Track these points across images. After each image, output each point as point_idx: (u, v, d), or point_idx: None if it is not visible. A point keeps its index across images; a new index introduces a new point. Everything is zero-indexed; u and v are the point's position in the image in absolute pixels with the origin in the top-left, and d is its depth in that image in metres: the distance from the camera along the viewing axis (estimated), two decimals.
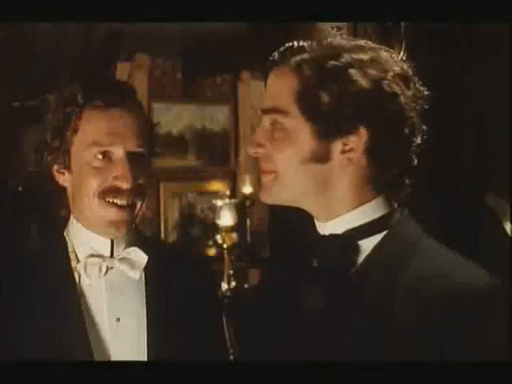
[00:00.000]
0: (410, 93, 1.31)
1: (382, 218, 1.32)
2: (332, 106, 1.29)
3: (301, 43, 1.34)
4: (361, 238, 1.32)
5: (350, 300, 1.30)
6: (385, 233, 1.32)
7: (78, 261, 1.65)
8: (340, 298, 1.32)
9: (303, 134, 1.32)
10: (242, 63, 6.80)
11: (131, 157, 1.61)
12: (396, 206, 1.36)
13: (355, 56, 1.29)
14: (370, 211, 1.32)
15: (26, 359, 1.53)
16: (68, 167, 1.64)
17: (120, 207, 1.61)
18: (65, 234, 1.69)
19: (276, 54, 1.37)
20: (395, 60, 1.34)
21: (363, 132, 1.29)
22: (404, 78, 1.32)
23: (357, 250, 1.32)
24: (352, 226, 1.33)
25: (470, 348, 1.20)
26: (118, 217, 1.61)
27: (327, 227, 1.36)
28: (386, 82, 1.29)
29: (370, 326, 1.25)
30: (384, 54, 1.33)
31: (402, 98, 1.30)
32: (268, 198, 1.39)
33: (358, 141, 1.29)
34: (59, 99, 1.65)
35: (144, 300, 1.67)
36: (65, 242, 1.68)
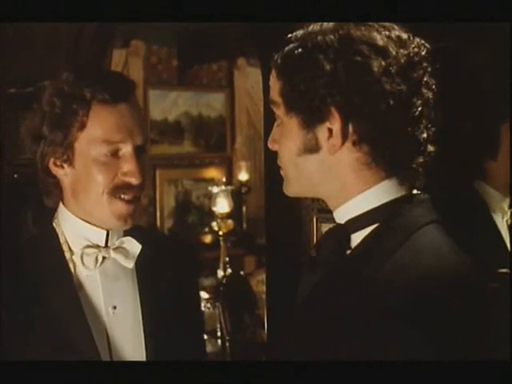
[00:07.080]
0: (387, 61, 1.23)
1: (381, 206, 1.28)
2: (307, 93, 1.27)
3: (287, 36, 1.33)
4: (355, 231, 1.29)
5: (337, 290, 1.28)
6: (376, 224, 1.27)
7: (71, 252, 1.65)
8: (329, 287, 1.30)
9: (292, 126, 1.31)
10: (237, 50, 6.79)
11: (137, 151, 1.62)
12: (406, 191, 1.30)
13: (321, 38, 1.27)
14: (374, 197, 1.28)
15: (21, 359, 1.51)
16: (70, 162, 1.61)
17: (128, 201, 1.61)
18: (54, 224, 1.68)
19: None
20: (376, 30, 1.27)
21: (335, 113, 1.25)
22: (383, 48, 1.24)
23: (348, 241, 1.30)
24: (352, 216, 1.30)
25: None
26: (127, 210, 1.61)
27: (336, 216, 1.34)
28: (357, 57, 1.24)
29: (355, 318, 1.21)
30: (357, 31, 1.26)
31: (376, 69, 1.23)
32: (286, 192, 1.39)
33: (335, 123, 1.26)
34: (59, 93, 1.61)
35: (137, 287, 1.67)
36: (55, 232, 1.67)
